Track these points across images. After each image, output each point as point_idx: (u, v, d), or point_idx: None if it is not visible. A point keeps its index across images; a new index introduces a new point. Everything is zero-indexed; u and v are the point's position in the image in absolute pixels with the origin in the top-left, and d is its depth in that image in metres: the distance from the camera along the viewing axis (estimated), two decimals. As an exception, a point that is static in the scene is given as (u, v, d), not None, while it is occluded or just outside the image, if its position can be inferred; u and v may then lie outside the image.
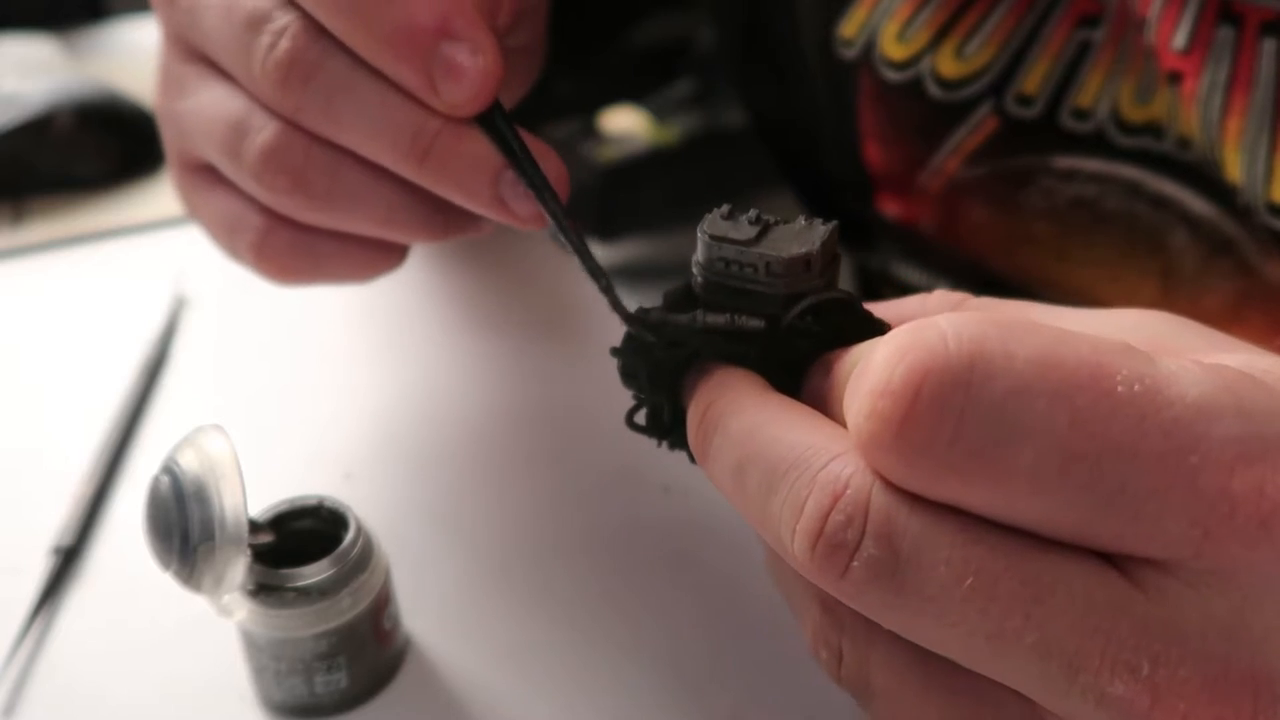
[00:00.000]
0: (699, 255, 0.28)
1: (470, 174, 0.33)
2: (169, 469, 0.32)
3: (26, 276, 0.60)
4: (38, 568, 0.41)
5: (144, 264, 0.60)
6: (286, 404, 0.50)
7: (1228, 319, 0.41)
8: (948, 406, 0.21)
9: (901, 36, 0.44)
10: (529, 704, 0.36)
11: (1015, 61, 0.42)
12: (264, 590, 0.34)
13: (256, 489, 0.33)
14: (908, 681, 0.25)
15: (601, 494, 0.44)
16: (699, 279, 0.28)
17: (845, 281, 0.39)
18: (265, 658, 0.35)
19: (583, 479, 0.45)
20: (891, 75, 0.45)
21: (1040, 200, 0.44)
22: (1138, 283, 0.43)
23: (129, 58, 0.82)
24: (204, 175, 0.39)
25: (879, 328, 0.28)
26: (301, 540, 0.35)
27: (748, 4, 0.53)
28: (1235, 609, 0.21)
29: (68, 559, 0.41)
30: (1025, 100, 0.43)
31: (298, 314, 0.56)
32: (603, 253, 0.57)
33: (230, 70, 0.35)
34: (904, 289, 0.52)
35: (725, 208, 0.28)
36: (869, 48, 0.45)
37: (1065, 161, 0.43)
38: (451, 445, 0.47)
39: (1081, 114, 0.42)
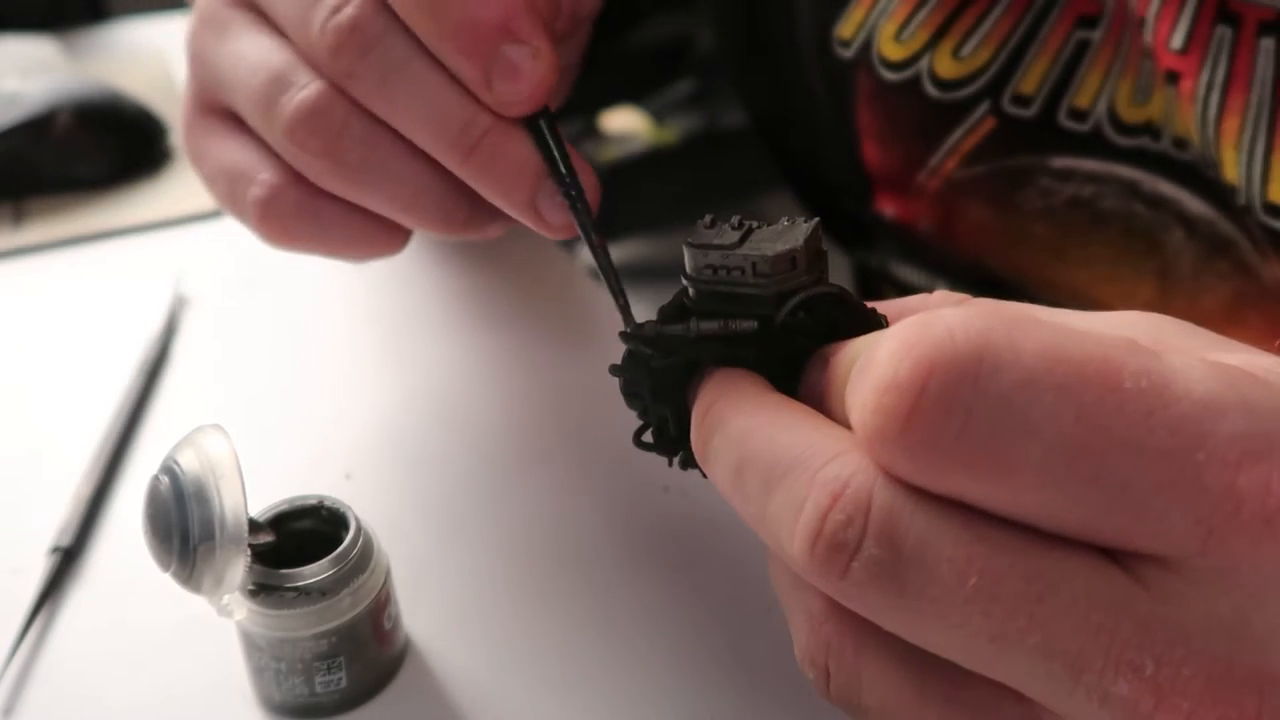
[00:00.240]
0: (687, 267, 0.28)
1: (512, 175, 0.33)
2: (169, 469, 0.32)
3: (27, 277, 0.60)
4: (37, 568, 0.41)
5: (144, 264, 0.60)
6: (287, 404, 0.50)
7: (1225, 319, 0.41)
8: (955, 400, 0.21)
9: (899, 37, 0.44)
10: (529, 704, 0.36)
11: (1013, 61, 0.42)
12: (264, 590, 0.34)
13: (256, 489, 0.33)
14: (902, 696, 0.24)
15: (601, 494, 0.44)
16: (690, 290, 0.29)
17: (845, 281, 0.39)
18: (265, 658, 0.35)
19: (583, 479, 0.45)
20: (889, 75, 0.45)
21: (1038, 200, 0.44)
22: (1135, 282, 0.43)
23: (129, 58, 0.82)
24: (221, 120, 0.38)
25: (875, 321, 0.28)
26: (301, 540, 0.35)
27: (747, 5, 0.53)
28: (1239, 607, 0.21)
29: (67, 559, 0.41)
30: (1023, 100, 0.43)
31: (298, 314, 0.56)
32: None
33: (283, 23, 0.35)
34: (903, 288, 0.52)
35: (708, 218, 0.28)
36: (867, 48, 0.45)
37: (1062, 161, 0.43)
38: (452, 445, 0.47)
39: (1079, 114, 0.42)
